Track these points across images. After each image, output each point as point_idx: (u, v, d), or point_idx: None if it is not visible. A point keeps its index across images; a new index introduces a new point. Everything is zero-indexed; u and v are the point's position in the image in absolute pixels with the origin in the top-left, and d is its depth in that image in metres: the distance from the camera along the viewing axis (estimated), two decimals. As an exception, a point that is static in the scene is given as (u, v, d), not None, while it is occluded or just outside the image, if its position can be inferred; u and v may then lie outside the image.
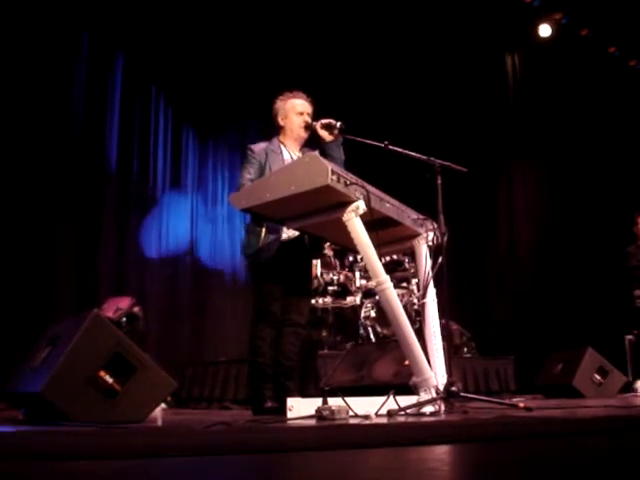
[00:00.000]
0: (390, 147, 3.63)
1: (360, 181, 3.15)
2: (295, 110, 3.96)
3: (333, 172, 2.93)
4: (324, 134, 3.85)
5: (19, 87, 6.11)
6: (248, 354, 3.82)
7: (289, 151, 3.92)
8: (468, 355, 6.27)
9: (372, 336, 5.74)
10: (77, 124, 6.59)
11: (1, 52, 6.00)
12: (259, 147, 3.87)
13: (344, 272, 6.05)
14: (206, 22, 7.32)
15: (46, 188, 6.22)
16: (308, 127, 3.89)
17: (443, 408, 3.12)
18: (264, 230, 3.70)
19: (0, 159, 5.90)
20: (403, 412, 3.00)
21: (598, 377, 5.60)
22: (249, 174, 3.75)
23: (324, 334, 5.83)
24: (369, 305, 5.88)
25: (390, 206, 3.41)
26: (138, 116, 7.15)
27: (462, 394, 3.26)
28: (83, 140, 6.61)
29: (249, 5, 7.40)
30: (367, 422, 2.70)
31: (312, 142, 4.00)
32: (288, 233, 3.77)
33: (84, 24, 6.69)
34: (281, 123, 3.97)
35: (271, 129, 4.10)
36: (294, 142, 3.97)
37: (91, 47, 6.74)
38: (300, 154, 3.90)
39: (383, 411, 3.01)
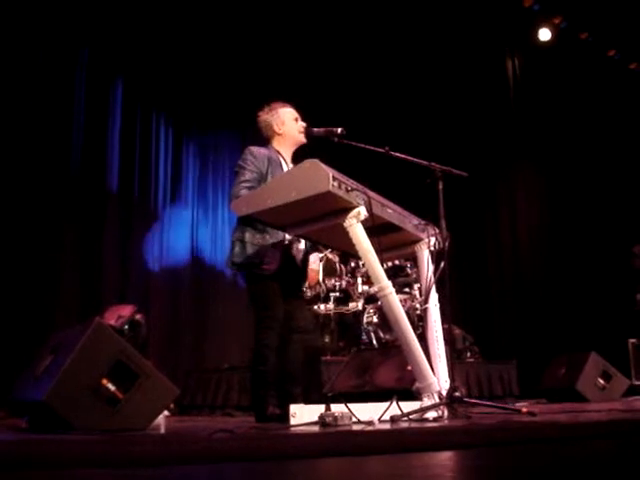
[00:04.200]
0: (391, 153, 3.63)
1: (361, 187, 3.15)
2: (292, 116, 3.95)
3: (334, 178, 2.93)
4: None
5: (21, 108, 6.16)
6: (252, 362, 3.79)
7: (287, 163, 3.90)
8: (471, 360, 6.26)
9: (375, 342, 5.73)
10: (78, 143, 6.62)
11: (3, 76, 6.03)
12: (261, 153, 3.81)
13: (346, 278, 6.05)
14: (203, 37, 7.37)
15: (50, 197, 6.26)
16: (309, 133, 3.88)
17: (446, 413, 3.11)
18: (267, 239, 3.68)
19: (4, 178, 5.93)
20: (406, 418, 3.00)
21: (602, 381, 5.59)
22: (247, 182, 3.67)
23: (327, 340, 5.82)
24: (371, 311, 5.87)
25: (391, 212, 3.41)
26: (139, 132, 7.18)
27: (465, 399, 3.26)
28: (84, 153, 6.65)
29: (247, 14, 7.42)
30: (370, 428, 2.69)
31: (298, 157, 3.95)
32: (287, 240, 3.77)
33: (84, 46, 6.73)
34: (279, 131, 3.92)
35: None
36: (290, 150, 3.95)
37: (91, 67, 6.78)
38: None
39: (386, 417, 3.01)
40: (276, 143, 3.95)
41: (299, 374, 3.82)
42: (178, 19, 7.20)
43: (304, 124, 3.95)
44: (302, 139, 3.95)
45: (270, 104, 4.00)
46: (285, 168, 3.84)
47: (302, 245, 3.90)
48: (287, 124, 3.94)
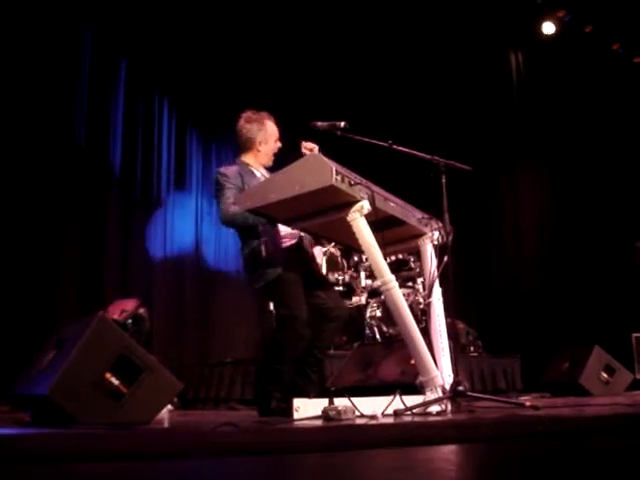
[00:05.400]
0: (394, 146, 3.62)
1: (364, 181, 3.14)
2: (275, 136, 3.92)
3: (337, 172, 2.93)
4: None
5: (23, 93, 6.12)
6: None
7: (260, 171, 3.88)
8: (474, 354, 6.26)
9: (378, 336, 5.73)
10: (81, 128, 6.61)
11: (5, 61, 6.01)
12: (231, 171, 3.78)
13: (349, 272, 6.05)
14: (208, 23, 7.32)
15: (51, 191, 6.26)
16: (312, 127, 3.85)
17: (449, 407, 3.12)
18: (263, 249, 3.63)
19: (4, 164, 5.92)
20: (409, 412, 3.00)
21: (605, 375, 5.58)
22: (229, 199, 3.63)
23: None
24: (375, 305, 5.87)
25: (395, 205, 3.41)
26: (141, 119, 7.16)
27: (468, 393, 3.26)
28: (87, 144, 6.64)
29: (251, 6, 7.40)
30: (374, 422, 2.70)
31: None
32: (291, 239, 3.76)
33: (87, 29, 6.69)
34: (259, 148, 3.88)
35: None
36: (258, 165, 3.91)
37: (94, 51, 6.75)
38: (266, 172, 3.91)
39: (389, 411, 3.01)
40: (248, 157, 3.91)
41: (322, 361, 3.86)
42: (183, 6, 7.18)
43: (280, 145, 3.94)
44: (270, 162, 3.93)
45: (257, 113, 3.93)
46: (258, 175, 3.84)
47: (308, 239, 3.88)
48: (269, 144, 3.91)
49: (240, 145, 3.95)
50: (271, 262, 3.61)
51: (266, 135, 3.89)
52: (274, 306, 3.75)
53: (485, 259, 9.00)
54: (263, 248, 3.63)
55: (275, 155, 3.95)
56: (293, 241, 3.77)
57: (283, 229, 3.70)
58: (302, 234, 3.81)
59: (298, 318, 3.54)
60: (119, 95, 6.97)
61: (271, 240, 3.65)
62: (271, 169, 3.91)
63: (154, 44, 7.14)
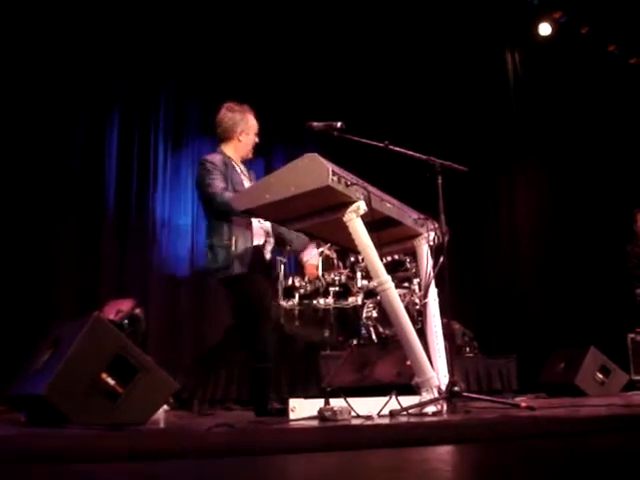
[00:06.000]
0: (390, 147, 3.62)
1: (361, 181, 3.15)
2: (255, 129, 3.95)
3: (334, 173, 2.93)
4: None
5: (18, 118, 6.13)
6: (253, 359, 3.77)
7: (239, 167, 3.92)
8: (470, 355, 6.27)
9: (374, 336, 5.73)
10: (78, 141, 6.62)
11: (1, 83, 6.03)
12: (217, 159, 3.82)
13: (346, 272, 6.05)
14: (200, 45, 7.32)
15: (49, 193, 6.27)
16: (309, 127, 3.87)
17: (445, 408, 3.12)
18: (234, 242, 3.67)
19: (6, 180, 5.96)
20: (405, 412, 3.00)
21: (600, 376, 5.59)
22: (221, 182, 3.70)
23: (326, 335, 5.82)
24: (371, 305, 5.87)
25: (391, 206, 3.41)
26: (137, 125, 7.17)
27: (464, 394, 3.26)
28: (84, 148, 6.65)
29: (246, 14, 7.38)
30: (369, 423, 2.69)
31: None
32: (258, 241, 3.80)
33: (84, 59, 6.66)
34: (239, 137, 3.91)
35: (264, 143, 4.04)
36: (237, 159, 3.94)
37: (89, 81, 6.74)
38: (244, 168, 3.94)
39: (385, 411, 3.01)
40: (227, 148, 3.94)
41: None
42: (174, 26, 7.18)
43: (257, 140, 3.97)
44: (250, 155, 3.97)
45: (239, 104, 3.96)
46: (239, 170, 3.88)
47: (270, 246, 3.91)
48: (250, 136, 3.94)
49: (220, 135, 3.96)
50: (239, 257, 3.67)
51: (249, 123, 3.93)
52: (240, 303, 3.76)
53: (481, 260, 9.01)
54: (234, 242, 3.66)
55: (253, 148, 3.96)
56: (261, 241, 3.82)
57: (254, 226, 3.76)
58: (269, 235, 3.87)
59: (270, 314, 3.65)
60: (113, 127, 6.96)
61: (243, 235, 3.69)
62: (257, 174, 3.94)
63: (148, 67, 7.12)
